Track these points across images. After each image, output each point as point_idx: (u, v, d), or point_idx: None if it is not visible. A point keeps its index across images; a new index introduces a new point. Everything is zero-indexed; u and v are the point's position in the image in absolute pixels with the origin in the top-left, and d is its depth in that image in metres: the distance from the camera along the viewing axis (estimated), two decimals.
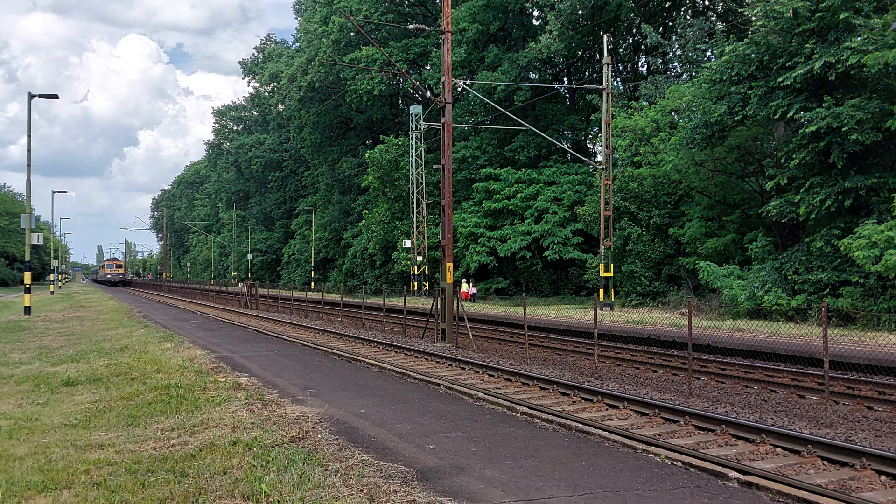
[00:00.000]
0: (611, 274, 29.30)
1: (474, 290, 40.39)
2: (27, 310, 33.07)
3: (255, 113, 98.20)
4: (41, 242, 39.49)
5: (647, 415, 10.27)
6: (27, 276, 34.00)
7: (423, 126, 43.18)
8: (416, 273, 45.55)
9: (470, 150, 46.54)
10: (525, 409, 10.13)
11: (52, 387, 12.41)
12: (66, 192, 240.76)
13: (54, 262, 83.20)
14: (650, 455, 7.83)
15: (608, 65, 29.52)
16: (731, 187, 28.79)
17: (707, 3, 40.36)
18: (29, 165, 33.41)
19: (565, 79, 49.87)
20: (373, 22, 49.19)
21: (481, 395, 11.36)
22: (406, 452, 7.80)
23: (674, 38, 36.53)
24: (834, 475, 7.47)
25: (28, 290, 33.69)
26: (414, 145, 46.54)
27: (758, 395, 12.24)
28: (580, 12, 38.39)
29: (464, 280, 41.88)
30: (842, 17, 19.67)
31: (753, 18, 22.64)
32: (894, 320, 18.38)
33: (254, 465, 7.06)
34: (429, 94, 30.42)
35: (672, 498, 6.39)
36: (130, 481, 6.68)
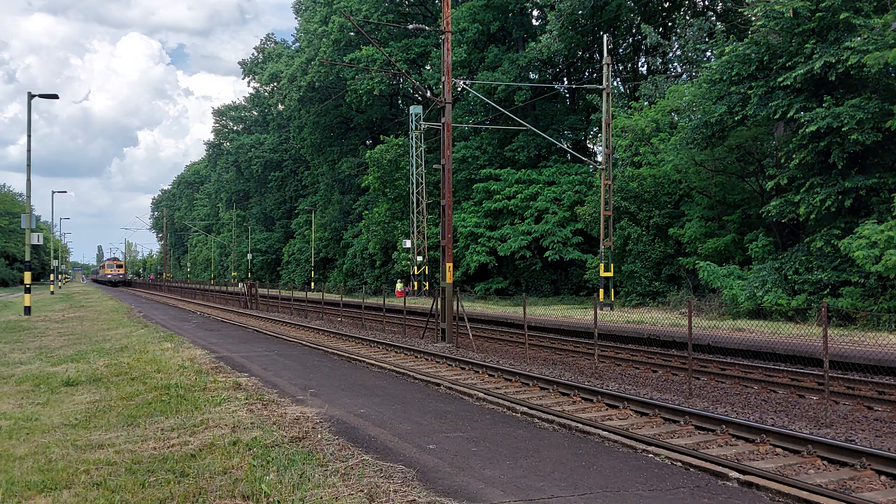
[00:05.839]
0: (611, 274, 29.29)
1: (408, 289, 43.90)
2: (27, 310, 33.06)
3: (255, 113, 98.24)
4: (41, 242, 39.49)
5: (647, 415, 10.27)
6: (27, 276, 34.00)
7: (423, 126, 43.19)
8: (416, 273, 45.57)
9: (470, 150, 46.54)
10: (525, 409, 10.13)
11: (52, 387, 12.41)
12: (65, 192, 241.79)
13: (54, 262, 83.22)
14: (650, 455, 7.83)
15: (608, 65, 29.52)
16: (731, 187, 28.79)
17: (707, 3, 40.38)
18: (29, 165, 33.42)
19: (565, 79, 49.88)
20: (373, 22, 49.19)
21: (481, 395, 11.36)
22: (406, 452, 7.80)
23: (674, 38, 36.54)
24: (834, 475, 7.47)
25: (28, 290, 33.68)
26: (414, 145, 46.54)
27: (758, 395, 12.24)
28: (580, 12, 38.38)
29: (399, 280, 46.62)
30: (842, 17, 19.67)
31: (753, 18, 22.64)
32: (894, 320, 18.38)
33: (254, 465, 7.06)
34: (429, 94, 30.42)
35: (672, 498, 6.39)
36: (130, 481, 6.68)
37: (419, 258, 45.38)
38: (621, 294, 31.80)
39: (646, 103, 33.69)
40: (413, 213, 46.10)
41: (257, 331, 25.16)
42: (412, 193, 46.50)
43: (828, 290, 20.52)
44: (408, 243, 46.19)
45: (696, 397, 11.75)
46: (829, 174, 20.87)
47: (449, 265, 20.08)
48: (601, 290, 28.81)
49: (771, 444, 8.54)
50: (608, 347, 17.59)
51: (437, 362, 16.46)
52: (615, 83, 41.22)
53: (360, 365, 15.64)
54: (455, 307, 20.06)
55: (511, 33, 48.07)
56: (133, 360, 15.34)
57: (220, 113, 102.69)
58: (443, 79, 20.23)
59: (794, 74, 20.43)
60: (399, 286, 46.20)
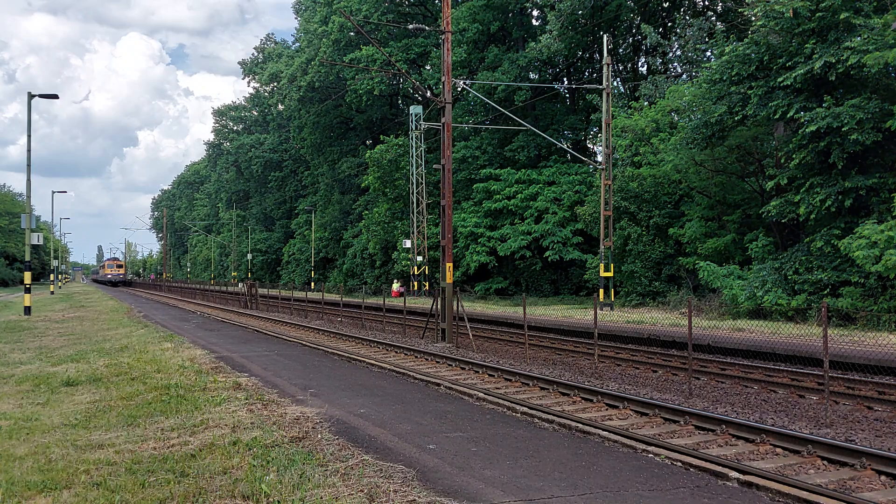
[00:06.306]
0: (611, 274, 29.29)
1: (403, 290, 44.61)
2: (27, 310, 33.06)
3: (255, 113, 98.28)
4: (41, 242, 39.50)
5: (647, 415, 10.27)
6: (27, 276, 34.00)
7: (423, 126, 43.20)
8: (416, 273, 45.60)
9: (470, 150, 46.54)
10: (525, 409, 10.13)
11: (52, 387, 12.41)
12: (65, 192, 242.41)
13: (54, 262, 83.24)
14: (650, 455, 7.83)
15: (608, 65, 29.52)
16: (731, 187, 28.78)
17: (707, 3, 40.38)
18: (29, 165, 33.42)
19: (565, 79, 49.88)
20: (373, 22, 49.20)
21: (481, 395, 11.36)
22: (406, 452, 7.80)
23: (674, 38, 36.52)
24: (834, 475, 7.47)
25: (28, 290, 33.68)
26: (414, 145, 46.54)
27: (758, 395, 12.24)
28: (580, 12, 38.39)
29: (396, 280, 48.22)
30: (842, 17, 19.67)
31: (753, 18, 22.63)
32: (894, 320, 18.38)
33: (254, 465, 7.06)
34: (429, 94, 30.38)
35: (672, 498, 6.39)
36: (130, 481, 6.68)
37: (419, 258, 45.40)
38: (621, 294, 31.80)
39: (646, 103, 33.69)
40: (413, 213, 46.10)
41: (257, 331, 25.16)
42: (412, 193, 46.50)
43: (828, 290, 20.52)
44: (408, 243, 46.22)
45: (696, 397, 11.75)
46: (829, 174, 20.86)
47: (449, 265, 20.08)
48: (601, 290, 28.81)
49: (771, 444, 8.54)
50: (608, 347, 17.59)
51: (437, 362, 16.46)
52: (615, 83, 41.22)
53: (360, 365, 15.64)
54: (455, 307, 20.06)
55: (511, 33, 48.09)
56: (133, 360, 15.34)
57: (220, 113, 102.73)
58: (443, 79, 20.23)
59: (794, 74, 20.42)
60: (395, 286, 46.64)
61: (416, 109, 47.72)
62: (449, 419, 9.67)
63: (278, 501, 6.03)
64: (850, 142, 19.65)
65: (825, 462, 7.90)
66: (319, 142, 65.67)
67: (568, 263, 39.40)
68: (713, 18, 36.72)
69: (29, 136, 33.17)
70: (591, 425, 9.18)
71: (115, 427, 9.13)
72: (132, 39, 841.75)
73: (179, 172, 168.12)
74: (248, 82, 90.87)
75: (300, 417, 9.42)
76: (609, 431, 8.81)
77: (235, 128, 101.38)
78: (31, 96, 32.62)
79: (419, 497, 6.18)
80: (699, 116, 25.30)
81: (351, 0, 52.41)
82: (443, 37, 20.35)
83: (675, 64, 38.27)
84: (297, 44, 70.79)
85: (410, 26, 23.04)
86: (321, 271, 69.76)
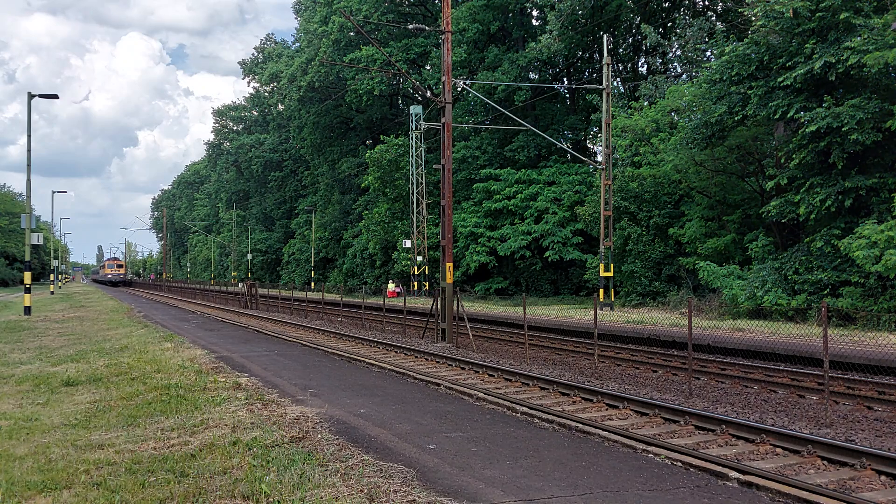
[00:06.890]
0: (611, 274, 29.29)
1: (399, 290, 44.78)
2: (27, 310, 33.06)
3: (255, 113, 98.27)
4: (41, 242, 39.52)
5: (647, 415, 10.27)
6: (27, 276, 33.99)
7: (423, 126, 43.20)
8: (416, 273, 45.60)
9: (470, 150, 46.55)
10: (525, 409, 10.13)
11: (52, 387, 12.41)
12: (65, 192, 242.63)
13: (54, 262, 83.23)
14: (650, 455, 7.83)
15: (608, 65, 29.51)
16: (731, 187, 28.78)
17: (707, 3, 40.38)
18: (29, 165, 33.42)
19: (565, 79, 49.90)
20: (373, 22, 49.20)
21: (481, 395, 11.36)
22: (406, 452, 7.80)
23: (673, 38, 36.53)
24: (834, 475, 7.47)
25: (28, 290, 33.68)
26: (414, 145, 46.55)
27: (758, 395, 12.24)
28: (580, 12, 38.40)
29: (390, 281, 48.46)
30: (842, 17, 19.67)
31: (753, 18, 22.63)
32: (894, 320, 18.37)
33: (254, 465, 7.06)
34: (429, 94, 30.38)
35: (672, 498, 6.39)
36: (130, 481, 6.68)
37: (419, 258, 45.40)
38: (621, 294, 31.79)
39: (646, 103, 33.69)
40: (413, 213, 46.10)
41: (257, 331, 25.16)
42: (412, 193, 46.51)
43: (828, 290, 20.52)
44: (408, 243, 46.22)
45: (696, 397, 11.75)
46: (829, 174, 20.86)
47: (449, 265, 20.08)
48: (601, 290, 28.80)
49: (771, 444, 8.54)
50: (608, 347, 17.59)
51: (437, 362, 16.46)
52: (615, 83, 41.21)
53: (360, 365, 15.64)
54: (455, 307, 20.06)
55: (511, 33, 48.10)
56: (133, 360, 15.34)
57: (220, 113, 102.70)
58: (443, 79, 20.23)
59: (794, 74, 20.42)
60: (391, 286, 46.45)
61: (416, 109, 47.72)
62: (449, 419, 9.67)
63: (278, 501, 6.03)
64: (850, 142, 19.65)
65: (825, 462, 7.90)
66: (319, 142, 65.67)
67: (568, 263, 39.40)
68: (713, 18, 36.71)
69: (29, 136, 33.18)
70: (591, 425, 9.18)
71: (115, 427, 9.13)
72: (132, 39, 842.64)
73: (179, 172, 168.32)
74: (248, 82, 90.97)
75: (300, 417, 9.42)
76: (609, 431, 8.81)
77: (235, 128, 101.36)
78: (31, 96, 32.63)
79: (419, 497, 6.18)
80: (699, 116, 25.30)
81: (351, 0, 52.41)
82: (443, 37, 20.35)
83: (675, 64, 38.27)
84: (297, 44, 70.80)
85: (410, 26, 23.04)
86: (321, 271, 69.76)
